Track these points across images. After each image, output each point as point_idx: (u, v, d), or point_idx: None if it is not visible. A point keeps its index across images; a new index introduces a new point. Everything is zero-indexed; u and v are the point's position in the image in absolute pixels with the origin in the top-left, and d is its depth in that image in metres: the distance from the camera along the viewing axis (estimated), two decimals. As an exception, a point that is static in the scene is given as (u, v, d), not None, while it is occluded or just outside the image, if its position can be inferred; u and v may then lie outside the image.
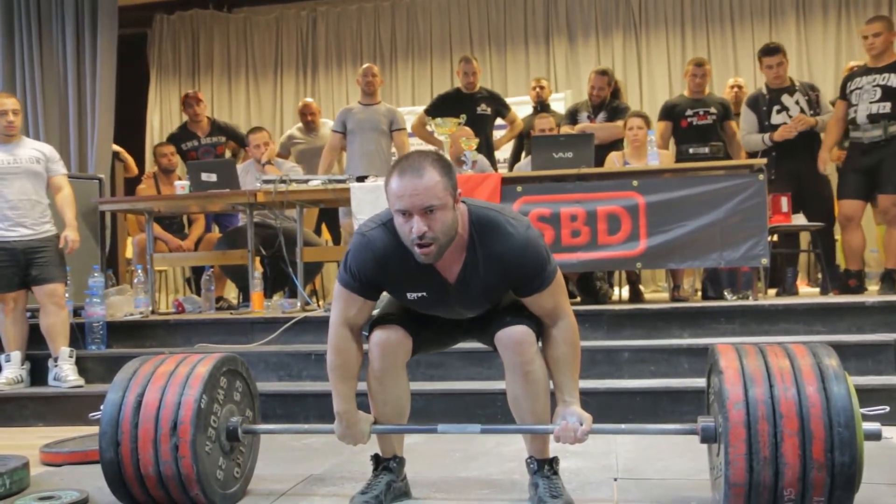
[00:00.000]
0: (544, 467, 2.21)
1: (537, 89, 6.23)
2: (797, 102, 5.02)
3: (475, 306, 2.15)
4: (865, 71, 4.66)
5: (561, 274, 2.13)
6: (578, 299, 4.95)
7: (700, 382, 3.39)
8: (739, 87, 6.10)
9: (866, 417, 1.95)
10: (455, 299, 2.11)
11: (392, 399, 2.23)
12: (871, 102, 4.55)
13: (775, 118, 5.07)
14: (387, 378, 2.19)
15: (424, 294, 2.10)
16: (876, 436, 1.91)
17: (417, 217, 1.91)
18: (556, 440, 2.12)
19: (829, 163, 4.79)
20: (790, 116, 5.02)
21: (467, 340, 2.38)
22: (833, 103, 5.06)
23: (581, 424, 2.07)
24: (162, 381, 2.24)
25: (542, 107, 6.16)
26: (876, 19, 4.75)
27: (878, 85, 4.55)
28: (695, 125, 5.35)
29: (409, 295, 2.12)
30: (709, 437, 2.05)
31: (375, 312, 2.24)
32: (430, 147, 5.58)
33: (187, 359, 2.34)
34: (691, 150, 5.28)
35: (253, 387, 2.51)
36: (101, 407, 2.24)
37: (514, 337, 2.11)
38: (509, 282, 2.07)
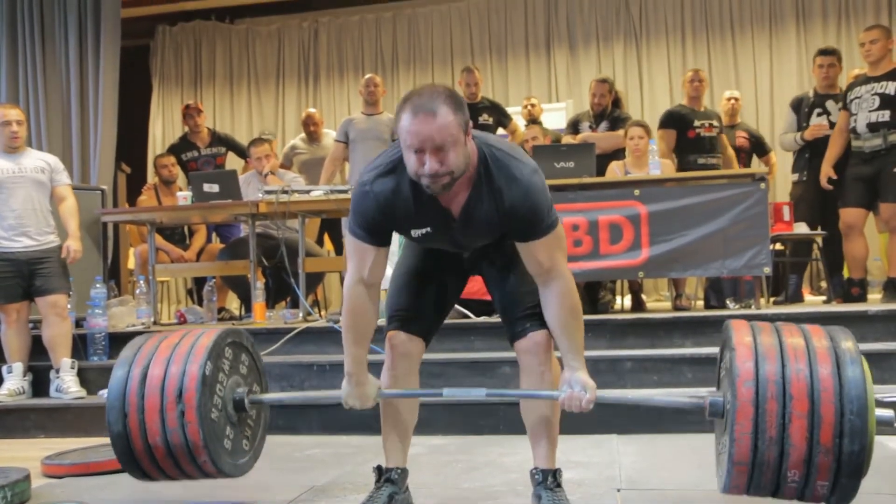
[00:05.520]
0: (548, 478, 2.20)
1: (528, 107, 6.39)
2: (840, 110, 5.02)
3: (477, 240, 2.16)
4: (864, 80, 4.67)
5: (563, 230, 2.10)
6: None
7: (703, 393, 3.39)
8: (736, 98, 6.12)
9: (881, 404, 1.89)
10: (459, 233, 2.10)
11: (402, 402, 2.26)
12: (870, 111, 4.55)
13: (814, 120, 5.07)
14: (401, 380, 2.22)
15: (429, 230, 2.08)
16: (889, 423, 1.86)
17: (430, 155, 1.89)
18: (561, 407, 2.11)
19: (831, 175, 4.78)
20: (830, 121, 5.03)
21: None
22: None
23: (586, 393, 2.05)
24: (166, 353, 2.25)
25: (532, 123, 6.22)
26: (873, 27, 4.77)
27: (876, 93, 4.55)
28: (702, 136, 5.36)
29: (413, 232, 2.10)
30: (716, 413, 2.01)
31: (387, 303, 2.25)
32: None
33: (191, 332, 2.35)
34: (700, 161, 5.28)
35: (259, 362, 2.51)
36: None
37: (534, 340, 2.14)
38: (507, 223, 2.03)
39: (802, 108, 5.18)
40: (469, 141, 1.98)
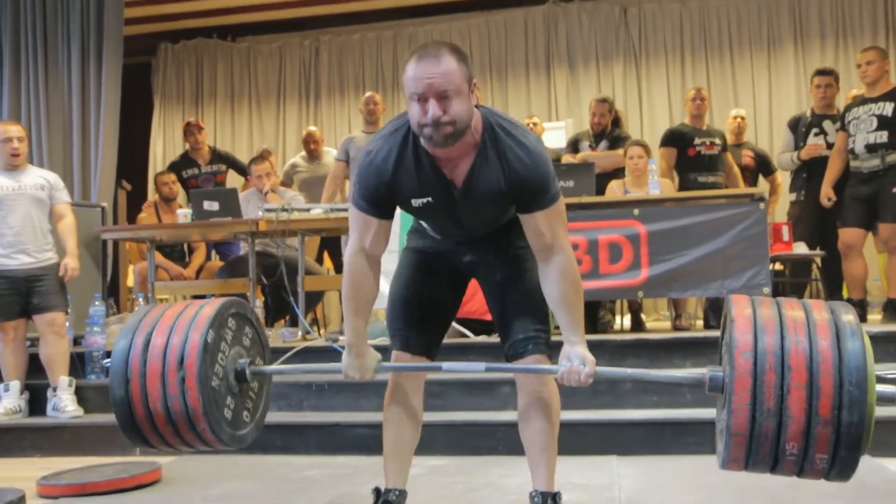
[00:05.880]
0: (548, 501, 2.19)
1: (530, 125, 6.33)
2: (837, 131, 5.04)
3: (478, 215, 2.13)
4: (862, 101, 4.69)
5: (564, 205, 2.10)
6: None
7: (702, 413, 3.38)
8: (742, 117, 6.14)
9: (884, 380, 1.87)
10: (460, 204, 2.08)
11: (404, 421, 2.25)
12: (868, 132, 4.57)
13: (811, 140, 5.09)
14: (406, 400, 2.23)
15: (430, 199, 2.07)
16: (892, 399, 1.85)
17: (433, 101, 1.89)
18: (559, 381, 2.10)
19: (831, 196, 4.79)
20: (827, 141, 5.04)
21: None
22: None
23: (585, 367, 2.04)
24: (169, 321, 2.26)
25: None
26: (869, 49, 4.80)
27: (873, 114, 4.57)
28: (703, 154, 5.37)
29: (414, 202, 2.08)
30: (716, 387, 1.98)
31: (387, 322, 2.24)
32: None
33: (194, 302, 2.37)
34: (700, 179, 5.29)
35: (263, 337, 2.52)
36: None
37: (530, 358, 2.14)
38: (513, 191, 2.03)
39: (800, 128, 5.20)
40: (473, 99, 1.98)
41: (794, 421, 1.76)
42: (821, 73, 5.25)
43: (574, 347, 2.07)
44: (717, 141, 5.42)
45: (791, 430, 1.76)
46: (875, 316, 4.97)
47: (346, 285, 2.13)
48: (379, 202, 2.07)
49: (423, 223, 2.28)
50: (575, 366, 2.04)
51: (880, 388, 1.81)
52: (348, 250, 2.13)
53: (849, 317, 1.85)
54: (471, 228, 2.19)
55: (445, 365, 2.17)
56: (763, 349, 1.80)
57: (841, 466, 1.80)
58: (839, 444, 1.75)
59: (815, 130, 5.12)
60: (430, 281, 2.26)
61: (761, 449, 1.80)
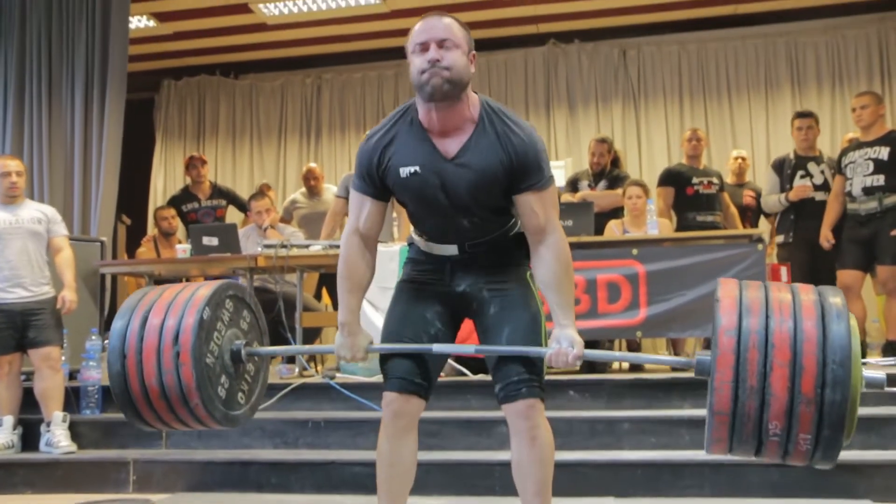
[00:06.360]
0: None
1: None
2: (822, 172, 5.09)
3: (467, 194, 2.11)
4: (858, 145, 4.77)
5: (556, 192, 2.15)
6: (578, 367, 4.90)
7: (701, 456, 3.34)
8: (743, 158, 6.19)
9: (872, 366, 1.86)
10: (449, 182, 2.10)
11: (399, 461, 2.20)
12: (864, 175, 4.63)
13: (797, 182, 5.12)
14: (399, 440, 2.19)
15: (417, 169, 2.10)
16: (879, 385, 1.83)
17: (433, 45, 2.03)
18: (548, 363, 2.10)
19: (830, 239, 4.81)
20: (813, 183, 5.08)
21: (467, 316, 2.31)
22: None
23: (573, 348, 2.05)
24: (167, 301, 2.31)
25: None
26: (864, 93, 4.90)
27: (869, 158, 4.64)
28: (701, 193, 5.40)
29: (402, 171, 2.12)
30: (703, 370, 1.95)
31: (381, 363, 2.22)
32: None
33: (191, 284, 2.42)
34: (699, 218, 5.31)
35: (262, 323, 2.55)
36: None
37: (528, 404, 2.10)
38: (510, 168, 2.08)
39: (785, 170, 5.23)
40: (472, 68, 2.10)
41: (777, 399, 1.74)
42: (801, 115, 5.29)
43: (564, 330, 2.09)
44: (715, 180, 5.45)
45: (774, 409, 1.75)
46: (874, 357, 4.95)
47: (340, 265, 2.23)
48: (371, 178, 2.16)
49: (412, 209, 2.24)
50: (563, 347, 2.06)
51: (868, 372, 1.81)
52: (344, 231, 2.25)
53: (836, 299, 1.84)
54: (459, 211, 2.14)
55: (436, 347, 2.17)
56: (747, 328, 1.80)
57: (825, 448, 1.77)
58: (822, 423, 1.74)
59: (800, 173, 5.15)
60: (423, 319, 2.23)
61: (744, 428, 1.79)
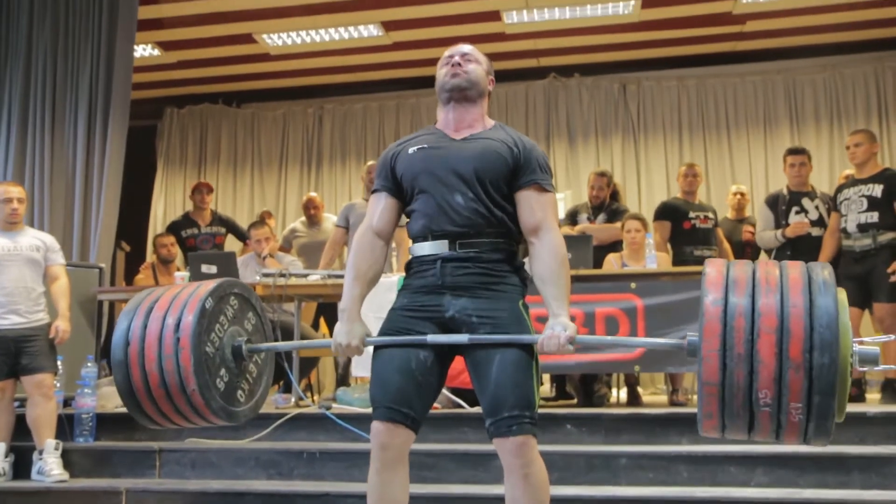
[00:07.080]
0: None
1: None
2: (817, 208, 5.10)
3: (469, 161, 2.23)
4: (852, 182, 4.81)
5: (556, 201, 2.27)
6: (576, 401, 4.89)
7: (698, 492, 3.32)
8: (742, 193, 6.21)
9: (865, 342, 1.84)
10: (453, 152, 2.26)
11: (389, 494, 2.15)
12: (858, 212, 4.66)
13: (793, 218, 5.12)
14: (388, 471, 2.15)
15: (424, 145, 2.30)
16: (873, 359, 1.81)
17: (458, 57, 2.32)
18: (540, 349, 2.11)
19: None
20: (809, 219, 5.10)
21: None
22: None
23: (565, 331, 2.06)
24: (172, 295, 2.36)
25: None
26: (858, 132, 4.96)
27: (864, 195, 4.67)
28: (698, 227, 5.41)
29: (410, 150, 2.30)
30: (693, 349, 1.91)
31: (370, 393, 2.20)
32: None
33: (195, 283, 2.46)
34: (696, 252, 5.31)
35: (268, 328, 2.57)
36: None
37: (520, 441, 2.07)
38: (514, 157, 2.22)
39: (779, 206, 5.23)
40: (489, 86, 2.36)
41: (765, 366, 1.73)
42: (793, 152, 5.31)
43: (557, 318, 2.12)
44: (711, 215, 5.47)
45: (763, 377, 1.74)
46: (873, 395, 4.92)
47: (350, 257, 2.32)
48: (386, 171, 2.32)
49: (413, 194, 2.29)
50: (556, 332, 2.08)
51: (861, 348, 1.80)
52: (359, 230, 2.34)
53: (823, 273, 1.85)
54: (458, 178, 2.21)
55: (430, 338, 2.18)
56: (734, 297, 1.81)
57: (817, 417, 1.74)
58: (812, 389, 1.72)
59: (795, 208, 5.16)
60: (413, 350, 2.20)
61: (734, 400, 1.77)
